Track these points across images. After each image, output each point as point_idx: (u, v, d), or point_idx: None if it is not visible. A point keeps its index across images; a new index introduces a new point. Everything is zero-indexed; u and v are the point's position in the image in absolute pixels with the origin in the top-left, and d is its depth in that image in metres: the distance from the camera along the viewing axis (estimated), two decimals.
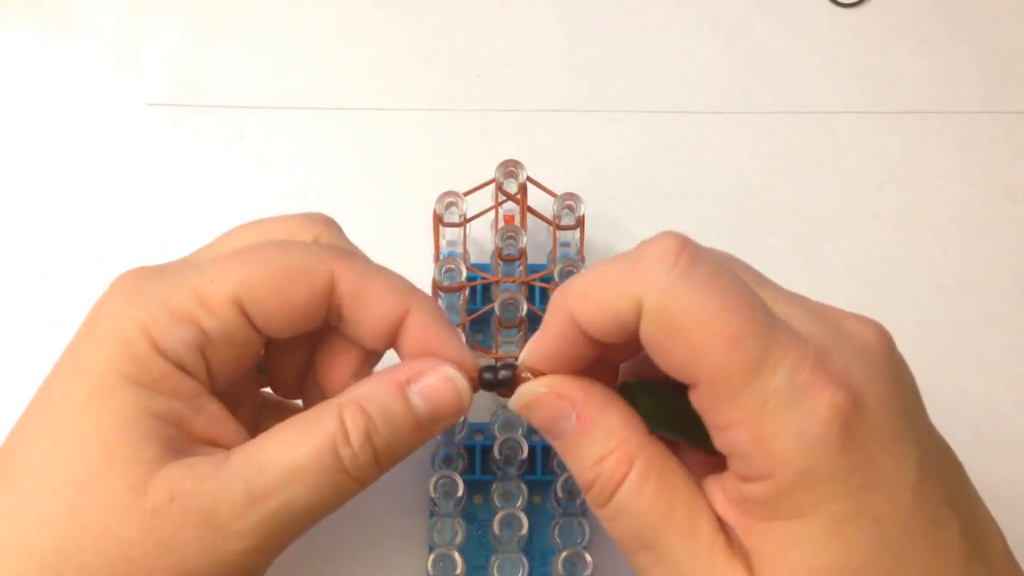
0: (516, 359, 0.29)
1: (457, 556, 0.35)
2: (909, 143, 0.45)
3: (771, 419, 0.24)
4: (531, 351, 0.29)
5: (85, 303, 0.42)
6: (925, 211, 0.44)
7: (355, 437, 0.27)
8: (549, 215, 0.39)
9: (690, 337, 0.25)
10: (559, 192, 0.39)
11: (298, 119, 0.45)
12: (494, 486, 0.37)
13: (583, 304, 0.27)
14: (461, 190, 0.39)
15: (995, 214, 0.44)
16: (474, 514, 0.38)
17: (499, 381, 0.29)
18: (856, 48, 0.47)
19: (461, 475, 0.36)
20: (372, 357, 0.31)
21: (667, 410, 0.28)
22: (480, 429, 0.39)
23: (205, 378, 0.28)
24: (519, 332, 0.39)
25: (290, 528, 0.27)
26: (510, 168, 0.39)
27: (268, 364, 0.32)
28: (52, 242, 0.43)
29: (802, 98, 0.46)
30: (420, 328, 0.29)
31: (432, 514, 0.37)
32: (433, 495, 0.36)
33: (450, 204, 0.39)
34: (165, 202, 0.44)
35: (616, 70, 0.46)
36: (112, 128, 0.45)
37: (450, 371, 0.29)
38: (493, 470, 0.37)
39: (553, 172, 0.41)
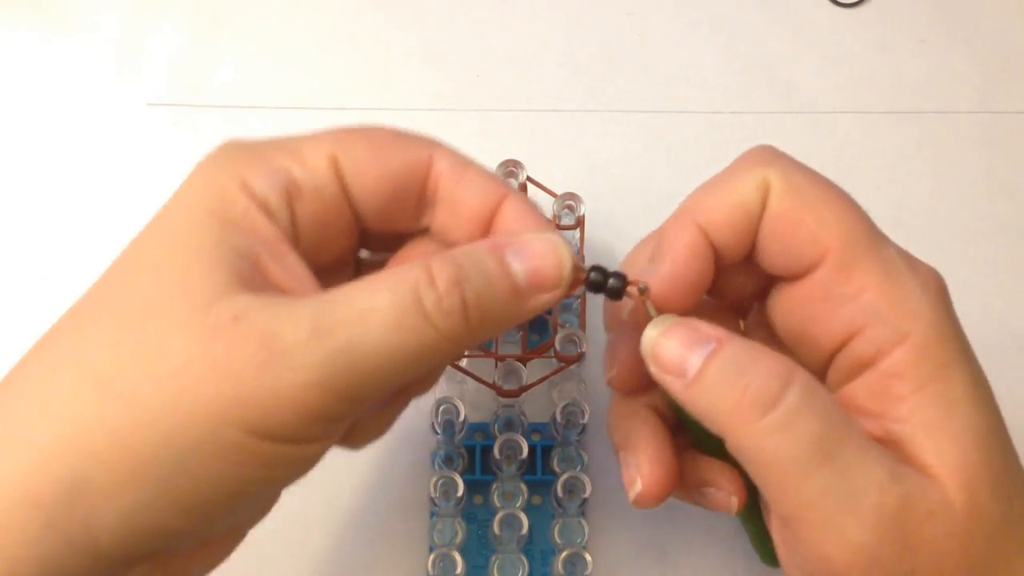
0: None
1: (457, 556, 0.35)
2: (909, 143, 0.45)
3: (897, 279, 0.26)
4: (656, 275, 0.27)
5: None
6: (925, 211, 0.44)
7: (441, 280, 0.25)
8: (549, 215, 0.39)
9: (818, 204, 0.27)
10: (559, 192, 0.39)
11: (298, 119, 0.45)
12: (494, 486, 0.37)
13: (707, 200, 0.28)
14: None
15: (995, 214, 0.44)
16: (474, 514, 0.38)
17: (607, 288, 0.27)
18: (856, 48, 0.47)
19: (461, 475, 0.36)
20: None
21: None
22: (480, 429, 0.39)
23: (288, 227, 0.27)
24: (519, 332, 0.39)
25: (361, 372, 0.24)
26: (510, 168, 0.39)
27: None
28: (52, 242, 0.43)
29: (802, 98, 0.46)
30: (518, 214, 0.28)
31: (432, 514, 0.37)
32: (433, 495, 0.36)
33: None
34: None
35: (616, 70, 0.46)
36: (112, 128, 0.45)
37: (553, 237, 0.26)
38: (493, 470, 0.37)
39: (553, 172, 0.41)
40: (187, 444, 0.24)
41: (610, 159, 0.45)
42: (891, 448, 0.26)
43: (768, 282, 0.29)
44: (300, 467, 0.26)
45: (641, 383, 0.29)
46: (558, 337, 0.37)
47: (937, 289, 0.27)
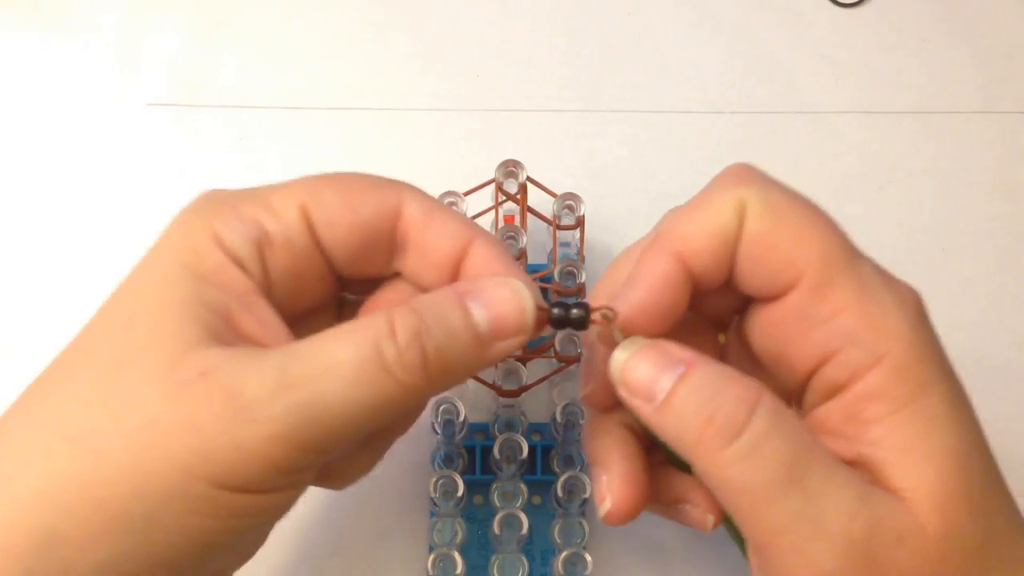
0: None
1: (457, 556, 0.35)
2: (909, 143, 0.45)
3: (874, 298, 0.26)
4: (627, 302, 0.27)
5: (84, 303, 0.42)
6: (925, 211, 0.44)
7: (402, 334, 0.25)
8: (549, 215, 0.39)
9: (794, 224, 0.27)
10: (559, 192, 0.39)
11: (298, 119, 0.45)
12: (494, 486, 0.37)
13: (685, 227, 0.27)
14: (461, 190, 0.39)
15: (995, 214, 0.44)
16: (474, 514, 0.38)
17: (570, 319, 0.27)
18: (856, 48, 0.47)
19: (461, 475, 0.36)
20: None
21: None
22: (480, 429, 0.39)
23: (262, 279, 0.28)
24: None
25: (324, 424, 0.25)
26: (510, 168, 0.39)
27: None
28: (52, 242, 0.43)
29: (802, 98, 0.46)
30: (485, 257, 0.28)
31: (432, 514, 0.37)
32: (433, 495, 0.36)
33: (450, 204, 0.39)
34: (165, 202, 0.43)
35: (616, 70, 0.46)
36: (112, 128, 0.45)
37: (516, 284, 0.27)
38: (493, 470, 0.37)
39: (553, 172, 0.41)
40: (156, 498, 0.24)
41: (610, 159, 0.45)
42: (864, 471, 0.25)
43: (744, 302, 0.29)
44: (270, 515, 0.27)
45: (616, 400, 0.29)
46: (558, 337, 0.37)
47: (915, 307, 0.26)
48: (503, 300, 0.26)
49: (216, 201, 0.28)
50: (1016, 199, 0.44)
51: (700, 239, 0.27)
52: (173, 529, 0.25)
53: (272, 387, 0.24)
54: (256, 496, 0.25)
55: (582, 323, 0.27)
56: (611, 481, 0.29)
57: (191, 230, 0.28)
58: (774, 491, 0.24)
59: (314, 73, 0.46)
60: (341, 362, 0.25)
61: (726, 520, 0.31)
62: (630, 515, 0.29)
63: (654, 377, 0.26)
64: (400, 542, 0.38)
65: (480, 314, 0.26)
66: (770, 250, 0.27)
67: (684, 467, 0.30)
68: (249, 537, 0.28)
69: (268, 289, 0.28)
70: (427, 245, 0.29)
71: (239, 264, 0.27)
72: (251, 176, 0.44)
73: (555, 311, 0.27)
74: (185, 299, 0.26)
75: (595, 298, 0.29)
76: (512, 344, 0.27)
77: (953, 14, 0.48)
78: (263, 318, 0.27)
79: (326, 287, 0.30)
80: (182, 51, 0.46)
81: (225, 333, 0.26)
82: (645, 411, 0.26)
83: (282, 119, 0.45)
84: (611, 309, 0.27)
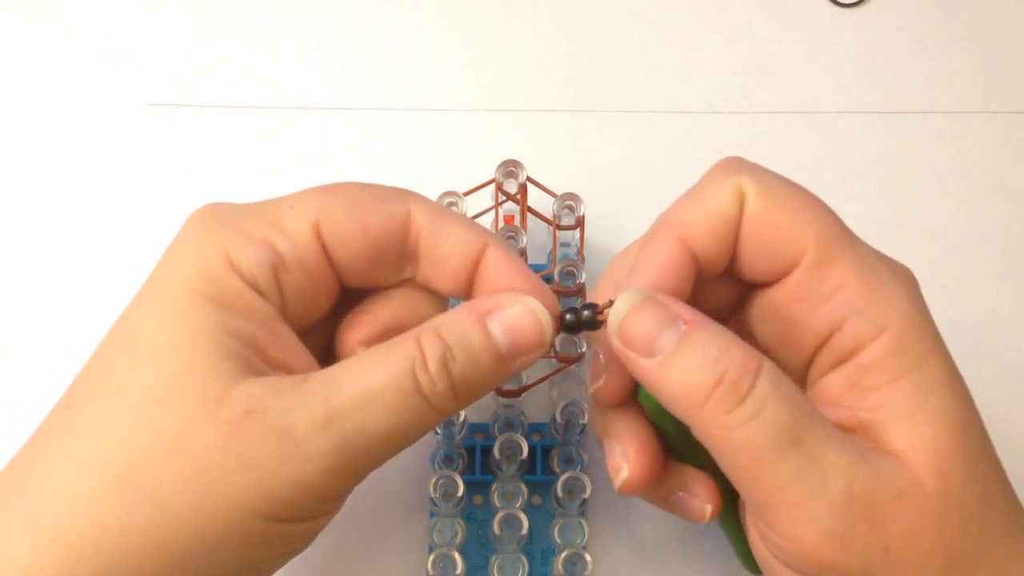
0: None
1: (457, 556, 0.35)
2: (909, 143, 0.45)
3: (873, 273, 0.27)
4: (633, 285, 0.27)
5: (83, 302, 0.42)
6: (925, 211, 0.44)
7: (432, 363, 0.26)
8: (549, 215, 0.39)
9: (792, 206, 0.27)
10: (559, 192, 0.39)
11: (298, 119, 0.45)
12: (494, 486, 0.37)
13: (687, 212, 0.28)
14: (461, 190, 0.39)
15: (995, 214, 0.44)
16: (474, 514, 0.38)
17: (582, 322, 0.28)
18: (856, 48, 0.47)
19: (461, 475, 0.36)
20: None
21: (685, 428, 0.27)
22: (480, 429, 0.39)
23: (279, 303, 0.28)
24: None
25: (368, 451, 0.26)
26: (510, 168, 0.39)
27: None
28: (51, 242, 0.43)
29: (802, 98, 0.46)
30: (499, 264, 0.29)
31: (432, 514, 0.37)
32: (433, 495, 0.36)
33: (450, 204, 0.39)
34: (165, 202, 0.44)
35: (616, 70, 0.46)
36: (112, 128, 0.45)
37: (532, 302, 0.28)
38: (493, 470, 0.37)
39: (553, 172, 0.41)
40: (217, 537, 0.25)
41: (610, 159, 0.45)
42: (862, 435, 0.26)
43: (743, 293, 0.29)
44: (312, 535, 0.28)
45: (626, 396, 0.30)
46: (558, 338, 0.37)
47: (910, 282, 0.28)
48: (521, 321, 0.27)
49: (221, 219, 0.28)
50: (1016, 199, 0.44)
51: (703, 222, 0.28)
52: (231, 563, 0.26)
53: (321, 421, 0.25)
54: (302, 524, 0.27)
55: (594, 324, 0.28)
56: (626, 450, 0.29)
57: (202, 253, 0.27)
58: (776, 451, 0.25)
59: (314, 73, 0.46)
60: (382, 393, 0.26)
61: (722, 518, 0.31)
62: (646, 484, 0.29)
63: (654, 332, 0.26)
64: (400, 542, 0.38)
65: (500, 335, 0.27)
66: (771, 230, 0.27)
67: (687, 456, 0.30)
68: (282, 561, 0.29)
69: (285, 311, 0.28)
70: (440, 256, 0.29)
71: (257, 290, 0.27)
72: (251, 176, 0.44)
73: (568, 317, 0.28)
74: (213, 331, 0.26)
75: (597, 295, 0.30)
76: (532, 359, 0.28)
77: (953, 14, 0.48)
78: (287, 344, 0.28)
79: (332, 299, 0.30)
80: (182, 51, 0.46)
81: (256, 363, 0.27)
82: (642, 366, 0.26)
83: (282, 119, 0.45)
84: (614, 298, 0.27)
